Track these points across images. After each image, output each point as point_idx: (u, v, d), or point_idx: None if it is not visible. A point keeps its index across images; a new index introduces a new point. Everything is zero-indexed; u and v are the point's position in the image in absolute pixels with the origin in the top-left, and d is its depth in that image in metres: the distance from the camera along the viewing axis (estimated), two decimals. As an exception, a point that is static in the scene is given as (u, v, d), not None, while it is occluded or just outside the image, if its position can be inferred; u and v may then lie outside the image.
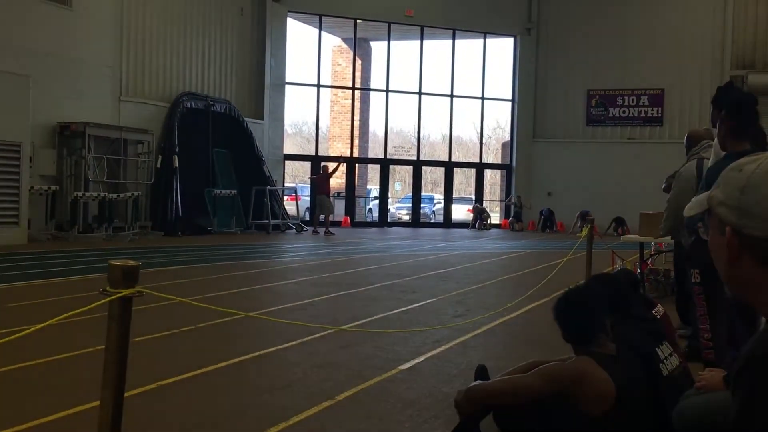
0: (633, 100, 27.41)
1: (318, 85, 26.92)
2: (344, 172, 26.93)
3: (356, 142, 28.89)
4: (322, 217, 22.58)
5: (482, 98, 28.94)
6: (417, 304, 8.88)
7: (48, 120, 16.99)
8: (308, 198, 26.76)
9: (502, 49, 29.62)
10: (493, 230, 27.64)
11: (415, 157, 29.91)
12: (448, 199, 29.85)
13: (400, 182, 40.78)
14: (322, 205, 22.49)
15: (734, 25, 25.70)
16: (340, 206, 27.28)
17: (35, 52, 16.43)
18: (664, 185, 8.10)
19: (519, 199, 27.73)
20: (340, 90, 30.17)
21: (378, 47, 30.34)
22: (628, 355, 3.63)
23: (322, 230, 22.17)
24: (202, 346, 6.34)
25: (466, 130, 40.17)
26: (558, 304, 3.75)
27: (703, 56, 26.14)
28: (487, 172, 32.95)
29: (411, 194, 30.44)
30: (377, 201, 29.82)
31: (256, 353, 6.07)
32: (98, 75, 18.59)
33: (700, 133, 6.88)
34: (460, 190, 39.95)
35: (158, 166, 19.69)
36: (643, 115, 27.34)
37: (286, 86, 26.07)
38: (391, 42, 28.02)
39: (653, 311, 4.36)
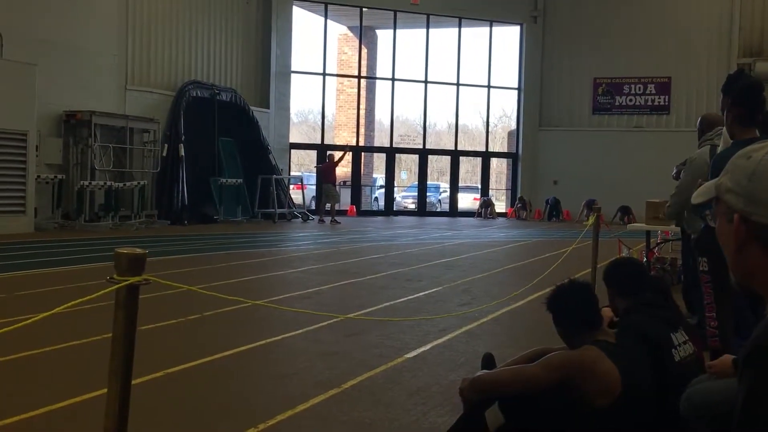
0: (640, 88, 27.27)
1: (324, 74, 26.86)
2: (350, 160, 26.90)
3: (362, 130, 28.83)
4: (328, 206, 22.58)
5: (488, 87, 28.84)
6: (423, 293, 8.89)
7: (54, 109, 17.01)
8: (314, 187, 26.75)
9: (509, 38, 29.48)
10: (499, 219, 27.62)
11: (421, 146, 29.84)
12: (454, 188, 29.81)
13: (406, 171, 40.70)
14: (328, 193, 22.49)
15: (741, 12, 25.53)
16: (345, 195, 27.29)
17: (41, 41, 16.42)
18: (674, 173, 7.97)
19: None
20: (345, 79, 30.08)
21: (384, 36, 30.24)
22: (634, 342, 3.62)
23: (328, 219, 22.17)
24: (208, 335, 6.37)
25: (472, 119, 39.95)
26: (553, 298, 3.69)
27: (710, 44, 25.99)
28: (493, 161, 32.86)
29: (417, 183, 30.39)
30: (383, 190, 29.78)
31: (263, 341, 6.09)
32: (104, 64, 18.59)
33: (714, 118, 6.52)
34: (466, 178, 39.78)
35: (164, 154, 19.68)
36: (649, 103, 27.22)
37: (292, 75, 26.00)
38: (397, 30, 27.92)
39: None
